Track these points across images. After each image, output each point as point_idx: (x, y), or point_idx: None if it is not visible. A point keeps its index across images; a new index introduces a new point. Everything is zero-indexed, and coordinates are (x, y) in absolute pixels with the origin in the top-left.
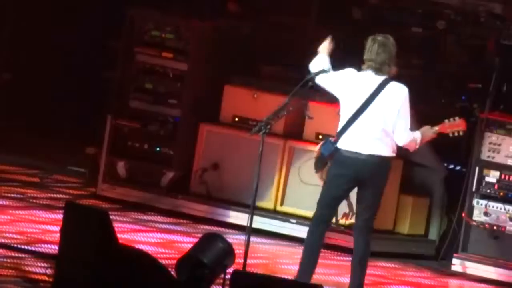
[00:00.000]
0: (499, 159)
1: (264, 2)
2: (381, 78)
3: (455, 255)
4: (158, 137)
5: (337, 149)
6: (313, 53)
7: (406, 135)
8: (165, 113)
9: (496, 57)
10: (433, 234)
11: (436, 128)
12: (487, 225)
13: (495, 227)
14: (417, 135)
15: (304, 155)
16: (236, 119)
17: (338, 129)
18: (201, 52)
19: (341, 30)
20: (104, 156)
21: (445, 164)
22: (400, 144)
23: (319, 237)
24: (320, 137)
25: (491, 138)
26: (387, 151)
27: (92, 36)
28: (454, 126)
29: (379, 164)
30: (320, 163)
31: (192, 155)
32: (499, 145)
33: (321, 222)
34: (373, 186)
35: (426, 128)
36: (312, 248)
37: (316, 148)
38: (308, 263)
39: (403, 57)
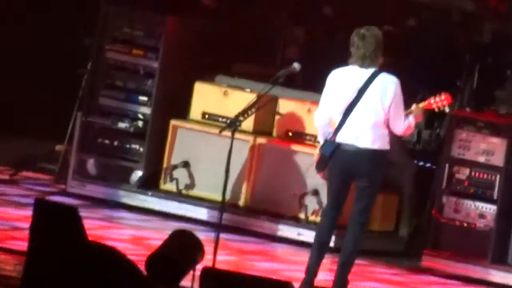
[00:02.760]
0: (469, 156)
1: None
2: (369, 71)
3: (425, 251)
4: (128, 134)
5: (337, 146)
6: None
7: (403, 124)
8: (135, 110)
9: (467, 54)
10: (403, 231)
11: (421, 105)
12: (457, 222)
13: (465, 224)
14: (411, 119)
15: (274, 152)
16: (207, 116)
17: (335, 127)
18: (172, 49)
19: (314, 28)
20: (74, 153)
21: (415, 161)
22: (399, 133)
23: (330, 223)
24: (290, 134)
25: (462, 135)
26: (381, 144)
27: (66, 33)
28: (440, 101)
29: (374, 156)
30: (322, 164)
31: (162, 152)
32: (470, 142)
33: (329, 213)
34: (368, 178)
35: (415, 108)
36: (322, 235)
37: (316, 151)
38: (315, 261)
39: None
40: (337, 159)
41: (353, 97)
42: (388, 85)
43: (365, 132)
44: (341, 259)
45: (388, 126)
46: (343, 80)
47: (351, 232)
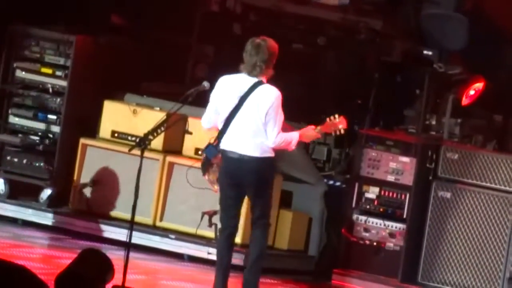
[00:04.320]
0: (378, 175)
1: (148, 18)
2: (253, 80)
3: (335, 271)
4: (37, 152)
5: (222, 152)
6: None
7: (275, 137)
8: (44, 128)
9: (376, 73)
10: (313, 250)
11: (319, 128)
12: (367, 241)
13: (375, 243)
14: (293, 135)
15: (184, 170)
16: (116, 134)
17: (218, 133)
18: (81, 68)
19: (223, 47)
20: None
21: (325, 180)
22: (270, 145)
23: (227, 241)
24: (200, 152)
25: (371, 154)
26: (263, 152)
27: None
28: (336, 124)
29: (257, 164)
30: (205, 166)
31: (72, 170)
32: (379, 161)
33: (226, 227)
34: (255, 186)
35: (308, 128)
36: (222, 253)
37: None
38: (221, 281)
39: (284, 74)
40: (224, 167)
41: (234, 104)
42: (267, 95)
43: (246, 140)
44: (248, 265)
45: None
46: (228, 87)
47: (253, 235)
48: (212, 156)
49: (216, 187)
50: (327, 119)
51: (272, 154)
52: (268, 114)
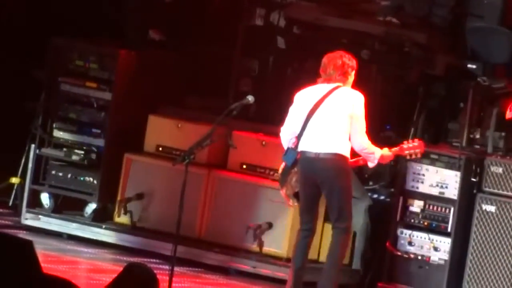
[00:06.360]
0: (423, 188)
1: (191, 32)
2: (332, 85)
3: (379, 284)
4: (82, 166)
5: (299, 153)
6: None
7: (361, 140)
8: (89, 142)
9: (420, 86)
10: (357, 264)
11: (395, 149)
12: (411, 255)
13: (419, 257)
14: (376, 149)
15: (228, 184)
16: (160, 148)
17: (297, 135)
18: (125, 82)
19: (267, 60)
20: (28, 185)
21: (370, 194)
22: (355, 148)
23: (303, 241)
24: (244, 166)
25: (415, 168)
26: (340, 150)
27: (15, 65)
28: (412, 148)
29: (333, 161)
30: (284, 176)
31: (116, 184)
32: (423, 175)
33: (304, 228)
34: (330, 183)
35: (385, 150)
36: (297, 253)
37: (281, 166)
38: (297, 270)
39: None
40: (301, 166)
41: (314, 105)
42: (350, 95)
43: (323, 138)
44: (321, 275)
45: (347, 136)
46: (308, 94)
47: (332, 240)
48: (291, 161)
49: (291, 202)
50: (405, 142)
51: (348, 154)
52: (354, 114)
